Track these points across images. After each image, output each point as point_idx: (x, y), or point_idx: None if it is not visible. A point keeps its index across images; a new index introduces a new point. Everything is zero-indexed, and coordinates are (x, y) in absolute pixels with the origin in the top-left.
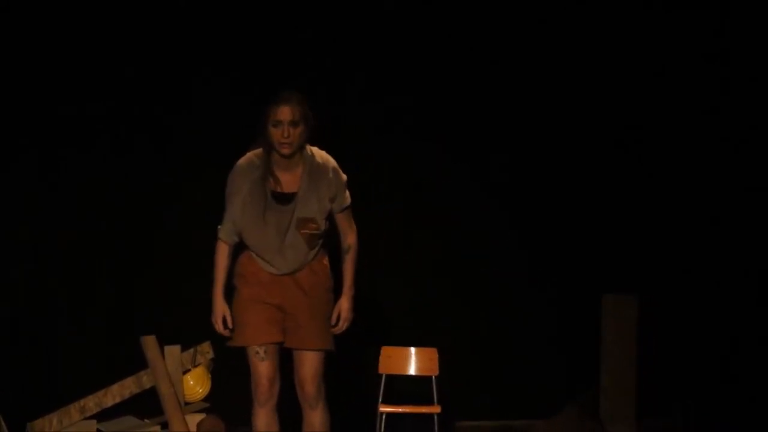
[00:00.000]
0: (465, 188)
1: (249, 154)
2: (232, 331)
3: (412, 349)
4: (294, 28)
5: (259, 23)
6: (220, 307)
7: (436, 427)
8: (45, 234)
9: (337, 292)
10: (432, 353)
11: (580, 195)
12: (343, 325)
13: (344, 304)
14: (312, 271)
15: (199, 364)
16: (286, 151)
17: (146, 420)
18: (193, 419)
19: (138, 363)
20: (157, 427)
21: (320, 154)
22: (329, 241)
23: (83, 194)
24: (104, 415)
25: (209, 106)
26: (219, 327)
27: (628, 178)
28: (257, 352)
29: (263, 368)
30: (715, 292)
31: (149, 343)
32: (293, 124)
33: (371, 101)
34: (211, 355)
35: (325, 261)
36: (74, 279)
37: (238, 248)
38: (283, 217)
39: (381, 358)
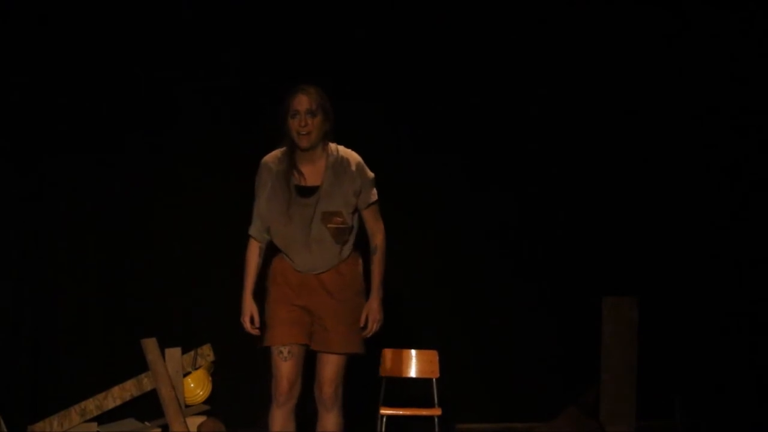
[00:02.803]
0: (465, 191)
1: (275, 151)
2: (260, 330)
3: (413, 352)
4: (292, 29)
5: (256, 24)
6: (248, 306)
7: (436, 430)
8: (45, 236)
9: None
10: (432, 356)
11: (581, 197)
12: (372, 327)
13: (373, 305)
14: (339, 273)
15: (199, 367)
16: (304, 143)
17: (147, 423)
18: (194, 422)
19: (139, 365)
20: (158, 430)
21: (345, 151)
22: (360, 245)
23: (84, 195)
24: (105, 418)
25: (209, 108)
26: (247, 326)
27: (628, 180)
28: (280, 352)
29: (285, 368)
30: (715, 293)
31: (150, 345)
32: (310, 113)
33: (371, 102)
34: (211, 357)
35: (357, 264)
36: (75, 281)
37: (271, 250)
38: (307, 211)
39: (382, 360)
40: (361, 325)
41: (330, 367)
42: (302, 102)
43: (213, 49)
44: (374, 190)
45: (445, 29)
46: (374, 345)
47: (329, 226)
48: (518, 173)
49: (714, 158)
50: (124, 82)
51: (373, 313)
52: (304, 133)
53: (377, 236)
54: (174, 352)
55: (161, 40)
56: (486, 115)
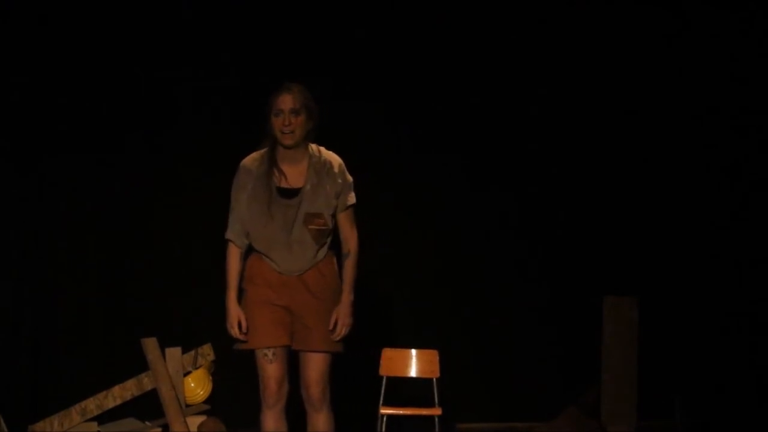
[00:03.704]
0: (466, 191)
1: (253, 154)
2: (246, 335)
3: (413, 351)
4: (292, 29)
5: (256, 24)
6: (234, 312)
7: (437, 430)
8: (45, 236)
9: None
10: (433, 355)
11: (581, 197)
12: (341, 331)
13: (342, 310)
14: (319, 272)
15: (200, 366)
16: (288, 141)
17: (147, 422)
18: (194, 421)
19: (139, 365)
20: (158, 429)
21: (327, 152)
22: (336, 245)
23: (84, 195)
24: (105, 417)
25: (209, 108)
26: (234, 332)
27: (628, 180)
28: (265, 355)
29: (271, 370)
30: (715, 293)
31: (150, 345)
32: (294, 112)
33: (371, 102)
34: (212, 357)
35: (334, 264)
36: (75, 281)
37: (248, 252)
38: (289, 212)
39: (382, 360)
40: (330, 328)
41: (315, 367)
42: (286, 101)
43: (213, 49)
44: (353, 194)
45: (445, 29)
46: (374, 345)
47: (310, 227)
48: (518, 173)
49: (714, 158)
50: (124, 82)
51: (342, 318)
52: (287, 131)
53: (351, 241)
54: (174, 352)
55: (161, 40)
56: (486, 115)
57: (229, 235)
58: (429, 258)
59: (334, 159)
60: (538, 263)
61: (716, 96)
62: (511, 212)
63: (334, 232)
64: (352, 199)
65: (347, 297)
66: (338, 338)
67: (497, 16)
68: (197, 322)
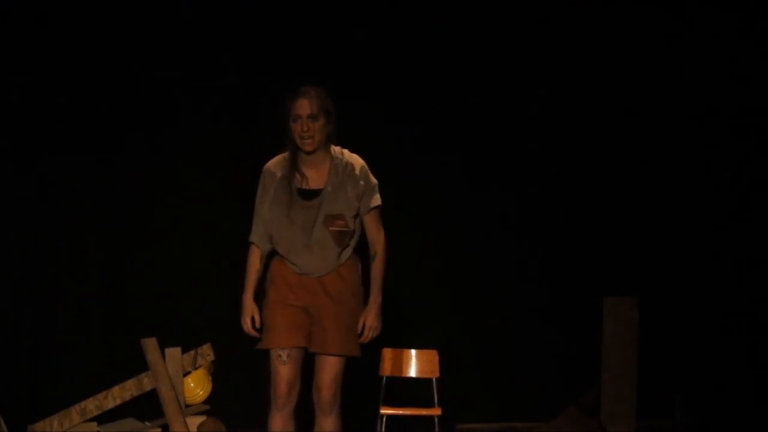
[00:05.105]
0: (466, 191)
1: (277, 156)
2: (260, 332)
3: (413, 351)
4: (292, 29)
5: (256, 24)
6: (249, 307)
7: (437, 430)
8: (45, 236)
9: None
10: (432, 355)
11: (581, 197)
12: (368, 335)
13: (369, 313)
14: (340, 276)
15: (199, 367)
16: (308, 146)
17: (147, 422)
18: (194, 421)
19: (139, 365)
20: (158, 430)
21: (350, 155)
22: (361, 251)
23: (84, 195)
24: (105, 418)
25: (209, 108)
26: (248, 327)
27: (628, 180)
28: (279, 356)
29: (284, 372)
30: (715, 293)
31: (150, 345)
32: (312, 117)
33: (371, 102)
34: (211, 357)
35: (357, 269)
36: (75, 281)
37: (270, 253)
38: (310, 213)
39: (382, 360)
40: (358, 331)
41: (328, 370)
42: (303, 106)
43: (213, 49)
44: (377, 196)
45: (445, 29)
46: (374, 345)
47: (331, 229)
48: (518, 173)
49: (714, 158)
50: (124, 82)
51: (369, 321)
52: (306, 137)
53: (377, 244)
54: (174, 352)
55: (161, 40)
56: (486, 115)
57: (252, 238)
58: (429, 258)
59: (357, 161)
60: (538, 263)
61: (716, 96)
62: (511, 212)
63: (362, 236)
64: (376, 201)
65: (375, 299)
66: (365, 341)
67: (497, 16)
68: (197, 322)
